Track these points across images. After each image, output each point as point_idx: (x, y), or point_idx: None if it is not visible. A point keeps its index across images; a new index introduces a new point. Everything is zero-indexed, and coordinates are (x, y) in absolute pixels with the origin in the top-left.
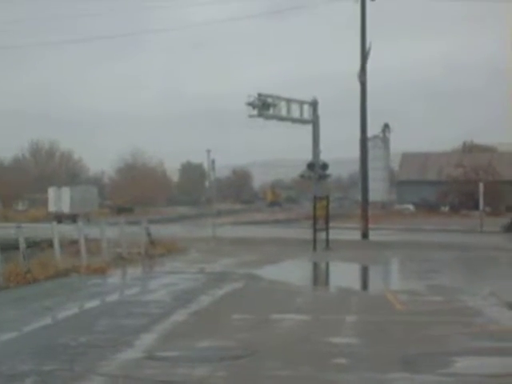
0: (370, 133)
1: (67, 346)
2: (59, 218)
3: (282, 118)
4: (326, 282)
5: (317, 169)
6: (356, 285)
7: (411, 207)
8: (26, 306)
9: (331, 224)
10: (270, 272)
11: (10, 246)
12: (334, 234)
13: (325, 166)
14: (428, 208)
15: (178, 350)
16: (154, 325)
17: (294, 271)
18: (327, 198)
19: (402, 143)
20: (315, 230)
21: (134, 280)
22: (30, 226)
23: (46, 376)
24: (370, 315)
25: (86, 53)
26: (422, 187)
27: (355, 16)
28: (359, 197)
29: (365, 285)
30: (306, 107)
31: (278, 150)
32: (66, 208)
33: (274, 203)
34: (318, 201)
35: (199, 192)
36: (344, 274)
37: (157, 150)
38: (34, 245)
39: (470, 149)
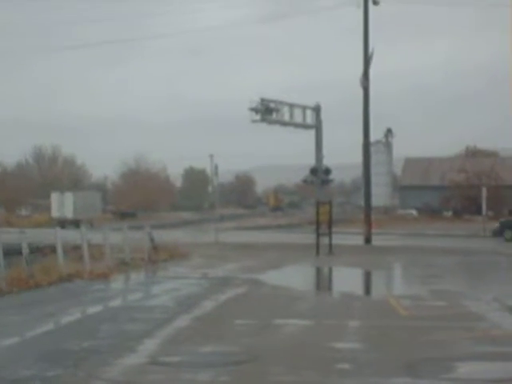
0: (372, 138)
1: (70, 351)
2: (62, 223)
3: (284, 123)
4: (329, 287)
5: (320, 174)
6: (359, 290)
7: (414, 212)
8: (28, 312)
9: (334, 229)
10: (272, 277)
11: (13, 251)
12: (336, 239)
13: (328, 171)
14: (431, 213)
15: (181, 355)
16: (157, 330)
17: (296, 276)
18: (330, 203)
19: (404, 148)
20: (318, 235)
21: (137, 285)
22: (33, 231)
23: (49, 381)
24: (372, 320)
25: (86, 58)
26: (425, 192)
27: (358, 21)
28: (362, 202)
29: (368, 290)
30: (308, 112)
31: (281, 155)
32: (69, 213)
33: (276, 208)
34: (320, 206)
35: (202, 197)
36: (347, 279)
37: (160, 156)
38: (36, 250)
39: (472, 154)
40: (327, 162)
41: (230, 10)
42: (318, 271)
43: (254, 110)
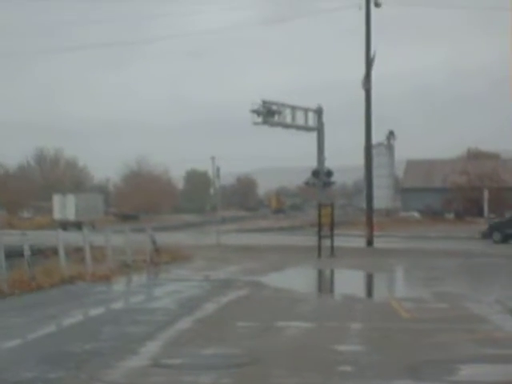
0: (374, 140)
1: (72, 353)
2: (64, 225)
3: (286, 126)
4: (331, 290)
5: (321, 176)
6: (361, 292)
7: (416, 214)
8: (30, 314)
9: (336, 231)
10: (274, 279)
11: (15, 254)
12: (338, 241)
13: (329, 174)
14: (433, 215)
15: (183, 358)
16: (159, 332)
17: (298, 278)
18: (332, 205)
19: (406, 150)
20: (320, 237)
21: (139, 287)
22: (35, 233)
23: (51, 383)
24: (374, 323)
25: (87, 60)
26: (427, 194)
27: (359, 23)
28: (364, 204)
29: (370, 292)
30: (310, 114)
31: (283, 158)
32: (71, 215)
33: (278, 210)
34: (322, 208)
35: (204, 199)
36: (349, 282)
37: (162, 158)
38: (38, 252)
39: (474, 156)
40: (329, 164)
41: (232, 12)
42: (320, 273)
43: (256, 112)
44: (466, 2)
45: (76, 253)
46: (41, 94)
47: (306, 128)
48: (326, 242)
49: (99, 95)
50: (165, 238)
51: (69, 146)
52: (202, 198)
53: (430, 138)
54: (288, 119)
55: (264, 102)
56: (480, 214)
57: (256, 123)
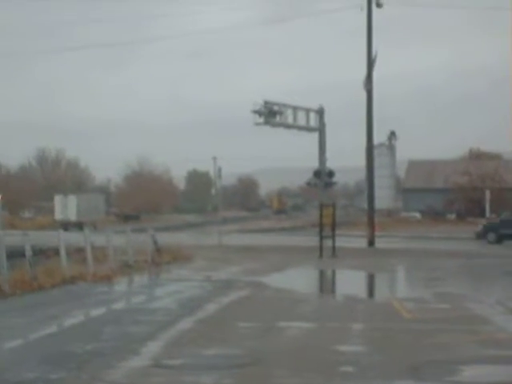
0: (376, 140)
1: (74, 353)
2: (65, 225)
3: (288, 126)
4: (333, 290)
5: (323, 176)
6: (362, 292)
7: (417, 215)
8: (32, 314)
9: (337, 231)
10: (276, 280)
11: (17, 254)
12: (340, 242)
13: (331, 174)
14: (434, 216)
15: (184, 358)
16: (161, 332)
17: (300, 279)
18: (333, 205)
19: (408, 151)
20: (321, 238)
21: (141, 288)
22: (37, 233)
23: None
24: (376, 323)
25: (88, 60)
26: (429, 195)
27: (360, 24)
28: (365, 204)
29: (371, 292)
30: (312, 115)
31: (285, 158)
32: (72, 216)
33: (280, 211)
34: (324, 208)
35: (205, 200)
36: (350, 282)
37: (163, 158)
38: (40, 252)
39: (476, 156)
40: (331, 164)
41: (232, 12)
42: (322, 274)
43: (258, 112)
44: (467, 2)
45: (77, 253)
46: (41, 94)
47: (307, 128)
48: (328, 243)
49: (100, 95)
50: (166, 239)
51: (70, 146)
52: (203, 199)
53: (431, 139)
54: (289, 120)
55: (266, 103)
56: (482, 214)
57: (258, 123)
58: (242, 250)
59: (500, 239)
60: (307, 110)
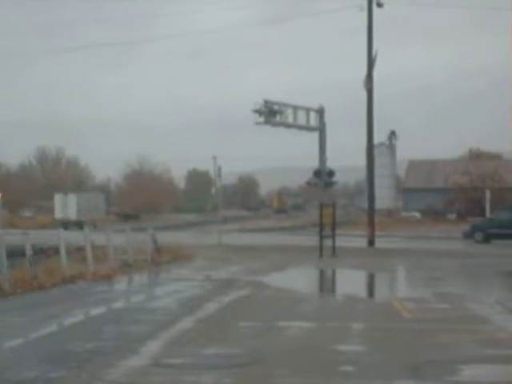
0: (376, 140)
1: (73, 352)
2: (66, 224)
3: (288, 125)
4: (333, 290)
5: (323, 176)
6: (362, 292)
7: (417, 214)
8: (32, 313)
9: (337, 231)
10: (276, 279)
11: (17, 253)
12: (340, 241)
13: (331, 173)
14: (434, 215)
15: (184, 357)
16: (161, 332)
17: (300, 278)
18: (333, 205)
19: (408, 150)
20: (321, 237)
21: (140, 287)
22: (37, 232)
23: (53, 383)
24: (376, 323)
25: (88, 60)
26: (429, 194)
27: (360, 23)
28: (365, 204)
29: (371, 292)
30: (312, 114)
31: (285, 157)
32: (72, 215)
33: (280, 210)
34: (324, 208)
35: (205, 199)
36: (350, 282)
37: (163, 157)
38: (40, 251)
39: (476, 156)
40: (331, 164)
41: (232, 11)
42: (322, 273)
43: (258, 112)
44: (467, 2)
45: (77, 252)
46: (41, 93)
47: (307, 128)
48: (328, 242)
49: (100, 95)
50: (166, 238)
51: (70, 145)
52: (203, 198)
53: (431, 138)
54: (290, 119)
55: (266, 102)
56: (482, 214)
57: (258, 123)
58: (242, 250)
59: (487, 239)
60: (307, 110)
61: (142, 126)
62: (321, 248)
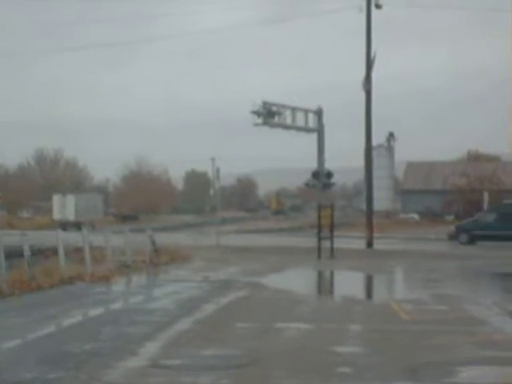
0: (374, 142)
1: (71, 353)
2: (64, 225)
3: (286, 127)
4: (331, 291)
5: (321, 177)
6: (360, 294)
7: (416, 216)
8: (30, 314)
9: (336, 233)
10: (274, 280)
11: (15, 254)
12: (338, 243)
13: (329, 175)
14: (432, 217)
15: (182, 359)
16: (159, 333)
17: (298, 280)
18: (332, 206)
19: (406, 152)
20: (320, 239)
21: (139, 288)
22: (35, 233)
23: None
24: (374, 324)
25: (87, 60)
26: (427, 196)
27: (359, 25)
28: (364, 205)
29: (369, 294)
30: (310, 116)
31: (283, 159)
32: (70, 216)
33: (278, 211)
34: (322, 209)
35: (204, 200)
36: (348, 283)
37: (161, 158)
38: (38, 252)
39: (474, 158)
40: (329, 165)
41: (231, 12)
42: (320, 275)
43: (256, 113)
44: (466, 3)
45: (76, 253)
46: (40, 94)
47: (306, 129)
48: (326, 244)
49: (99, 95)
50: (164, 239)
51: (68, 146)
52: (201, 199)
53: (430, 140)
54: (288, 120)
55: (264, 103)
56: None
57: (256, 124)
58: (241, 251)
59: (472, 240)
60: (306, 111)
61: (140, 127)
62: (319, 249)
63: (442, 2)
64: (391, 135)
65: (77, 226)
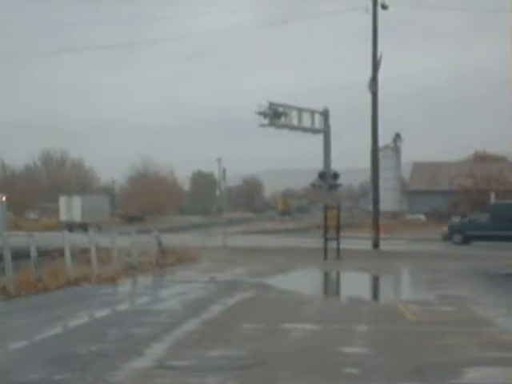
0: (380, 142)
1: (78, 354)
2: (70, 226)
3: (293, 128)
4: (337, 292)
5: (328, 178)
6: (367, 295)
7: (422, 217)
8: (36, 315)
9: (342, 233)
10: (280, 281)
11: (21, 255)
12: (344, 244)
13: (336, 176)
14: (439, 218)
15: (188, 359)
16: (165, 334)
17: (304, 280)
18: (338, 207)
19: (412, 153)
20: (326, 240)
21: (145, 289)
22: (42, 234)
23: None
24: (380, 325)
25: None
26: (433, 197)
27: (364, 25)
28: (370, 206)
29: (375, 295)
30: (317, 117)
31: (289, 160)
32: (77, 217)
33: (284, 212)
34: (328, 210)
35: (210, 201)
36: (355, 284)
37: (168, 159)
38: (45, 253)
39: (481, 158)
40: (335, 166)
41: (232, 14)
42: (326, 276)
43: (263, 114)
44: (467, 5)
45: (82, 254)
46: (43, 95)
47: (312, 130)
48: (332, 245)
49: (102, 97)
50: (170, 240)
51: (74, 147)
52: (207, 200)
53: (436, 141)
54: (294, 121)
55: (270, 104)
56: None
57: (262, 125)
58: (247, 252)
59: (466, 240)
60: (312, 112)
61: (145, 128)
62: (325, 250)
63: (444, 3)
64: (397, 136)
65: (83, 227)
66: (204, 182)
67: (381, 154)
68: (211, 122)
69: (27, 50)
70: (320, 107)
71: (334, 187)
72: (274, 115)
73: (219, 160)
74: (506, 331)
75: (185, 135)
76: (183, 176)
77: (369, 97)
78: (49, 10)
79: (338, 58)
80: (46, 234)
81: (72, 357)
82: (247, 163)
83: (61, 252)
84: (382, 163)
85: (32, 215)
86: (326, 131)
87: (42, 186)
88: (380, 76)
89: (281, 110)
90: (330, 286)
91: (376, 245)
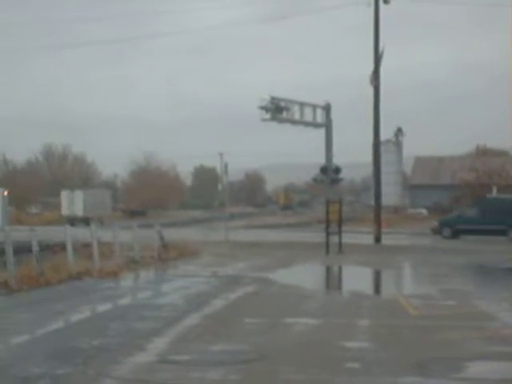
0: (382, 137)
1: (80, 349)
2: (72, 221)
3: (294, 122)
4: (339, 286)
5: (329, 173)
6: (369, 289)
7: (424, 211)
8: (38, 309)
9: (344, 228)
10: (282, 276)
11: (23, 249)
12: (346, 238)
13: (337, 170)
14: (441, 212)
15: (190, 354)
16: (167, 328)
17: (306, 275)
18: (340, 201)
19: (414, 147)
20: (328, 234)
21: (147, 283)
22: (43, 229)
23: (59, 379)
24: (382, 319)
25: (90, 57)
26: (435, 191)
27: (364, 20)
28: (372, 201)
29: (377, 289)
30: (319, 111)
31: (291, 154)
32: (79, 211)
33: (286, 207)
34: (330, 204)
35: (212, 195)
36: (357, 278)
37: (170, 154)
38: (47, 248)
39: (483, 152)
40: (337, 160)
41: (231, 9)
42: (328, 270)
43: (264, 108)
44: None
45: (84, 248)
46: (46, 90)
47: (314, 124)
48: (334, 239)
49: (104, 92)
50: (172, 234)
51: (76, 142)
52: (209, 194)
53: (438, 135)
54: (296, 116)
55: (272, 99)
56: None
57: (264, 119)
58: (249, 246)
59: (456, 234)
60: (314, 106)
61: (148, 123)
62: (327, 245)
63: None
64: (399, 130)
65: (85, 221)
66: (206, 177)
67: (382, 148)
68: (213, 117)
69: (29, 45)
70: (322, 101)
71: (335, 181)
72: (276, 110)
73: (221, 154)
74: (508, 325)
75: (187, 130)
76: (185, 170)
77: (370, 91)
78: (51, 7)
79: (339, 53)
80: (48, 228)
81: (74, 351)
82: (249, 158)
83: (63, 246)
84: (384, 157)
85: (34, 210)
86: (327, 125)
87: (43, 181)
88: (382, 70)
89: (282, 104)
90: (332, 281)
91: (378, 239)
